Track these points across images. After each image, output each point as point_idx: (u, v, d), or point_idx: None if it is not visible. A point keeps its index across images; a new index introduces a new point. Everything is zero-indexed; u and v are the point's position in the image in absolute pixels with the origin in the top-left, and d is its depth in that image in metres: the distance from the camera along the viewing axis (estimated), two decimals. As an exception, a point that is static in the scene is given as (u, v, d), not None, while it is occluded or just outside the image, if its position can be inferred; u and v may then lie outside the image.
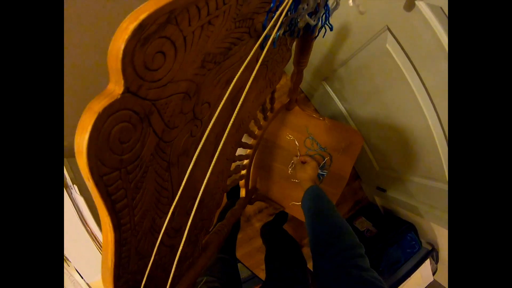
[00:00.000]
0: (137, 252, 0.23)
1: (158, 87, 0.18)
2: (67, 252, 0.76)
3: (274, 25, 0.23)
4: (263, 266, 0.89)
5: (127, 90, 0.14)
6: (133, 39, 0.13)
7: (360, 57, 0.85)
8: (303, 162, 0.80)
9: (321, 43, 0.94)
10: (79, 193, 0.66)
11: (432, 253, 1.23)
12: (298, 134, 0.87)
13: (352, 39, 0.83)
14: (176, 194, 0.25)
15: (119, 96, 0.14)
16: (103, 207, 0.17)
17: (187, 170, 0.23)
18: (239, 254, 1.50)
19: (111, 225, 0.18)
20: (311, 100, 1.46)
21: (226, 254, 0.83)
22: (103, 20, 0.47)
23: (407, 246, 1.23)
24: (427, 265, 1.23)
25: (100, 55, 0.55)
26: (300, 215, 0.86)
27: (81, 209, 0.67)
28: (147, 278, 0.23)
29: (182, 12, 0.15)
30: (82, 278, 0.76)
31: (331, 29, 0.34)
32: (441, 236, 1.23)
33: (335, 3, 0.26)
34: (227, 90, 0.21)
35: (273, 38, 0.23)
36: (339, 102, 1.21)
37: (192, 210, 0.22)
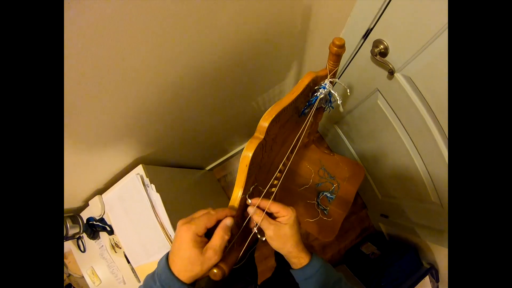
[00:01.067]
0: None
1: (269, 136, 0.45)
2: (121, 239, 0.90)
3: (309, 108, 0.52)
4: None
5: (264, 138, 0.42)
6: (271, 122, 0.41)
7: (361, 108, 1.13)
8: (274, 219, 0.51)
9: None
10: (155, 190, 0.85)
11: (431, 270, 1.35)
12: (314, 166, 1.11)
13: (355, 95, 1.11)
14: (258, 183, 0.52)
15: (261, 139, 0.41)
16: (244, 177, 0.43)
17: (262, 172, 0.51)
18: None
19: (242, 186, 0.44)
20: (325, 138, 1.74)
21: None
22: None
23: (407, 265, 1.37)
24: (427, 283, 1.33)
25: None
26: (313, 231, 1.04)
27: (154, 204, 0.86)
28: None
29: (282, 112, 0.43)
30: (128, 263, 0.90)
31: (332, 108, 0.63)
32: (439, 255, 1.36)
33: (334, 100, 0.55)
34: (283, 138, 0.49)
35: (308, 113, 0.52)
36: (347, 141, 1.47)
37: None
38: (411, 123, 0.90)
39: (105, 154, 0.82)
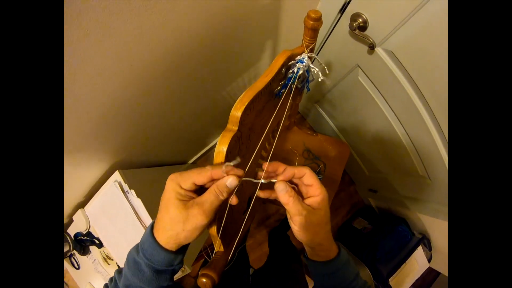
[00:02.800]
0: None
1: (244, 126, 0.40)
2: (111, 250, 0.88)
3: (286, 89, 0.47)
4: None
5: (238, 129, 0.37)
6: (243, 111, 0.36)
7: (341, 85, 1.10)
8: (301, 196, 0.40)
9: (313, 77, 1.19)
10: (135, 196, 0.82)
11: (423, 240, 1.40)
12: (297, 148, 1.08)
13: (334, 72, 1.07)
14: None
15: (235, 131, 0.37)
16: None
17: (242, 166, 0.46)
18: (250, 258, 1.65)
19: None
20: (307, 119, 1.71)
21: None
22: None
23: (399, 237, 1.40)
24: (420, 252, 1.39)
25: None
26: None
27: (137, 209, 0.83)
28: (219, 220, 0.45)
29: (255, 98, 0.39)
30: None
31: (308, 90, 0.59)
32: (430, 225, 1.39)
33: (313, 79, 0.50)
34: (261, 125, 0.45)
35: (283, 94, 0.47)
36: (329, 120, 1.45)
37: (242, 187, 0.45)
38: (394, 98, 0.88)
39: (78, 164, 0.77)
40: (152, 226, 0.34)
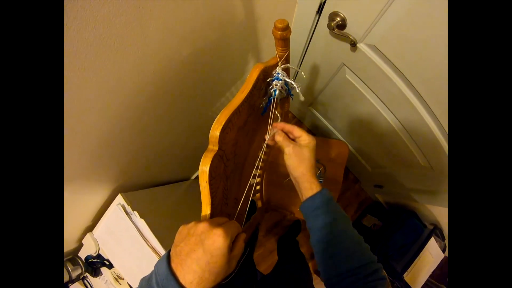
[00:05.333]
0: None
1: (226, 144, 0.42)
2: (121, 270, 0.90)
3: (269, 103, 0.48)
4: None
5: (219, 148, 0.38)
6: (221, 131, 0.37)
7: (331, 86, 1.10)
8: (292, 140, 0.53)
9: (303, 79, 1.20)
10: (139, 217, 0.84)
11: (435, 231, 1.36)
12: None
13: (322, 74, 1.08)
14: (230, 192, 0.49)
15: (216, 151, 0.37)
16: (208, 194, 0.39)
17: (233, 180, 0.47)
18: (261, 268, 1.63)
19: (209, 202, 0.40)
20: (304, 122, 1.71)
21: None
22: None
23: (410, 230, 1.37)
24: (433, 243, 1.34)
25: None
26: None
27: (141, 230, 0.85)
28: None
29: (233, 116, 0.40)
30: (134, 291, 0.87)
31: (292, 96, 0.60)
32: (440, 214, 1.37)
33: (292, 88, 0.51)
34: (248, 138, 0.46)
35: (263, 107, 0.48)
36: (325, 121, 1.45)
37: (236, 204, 0.45)
38: (384, 91, 0.88)
39: (82, 191, 0.80)
40: (168, 264, 0.33)
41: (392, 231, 1.38)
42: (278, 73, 0.45)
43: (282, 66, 0.47)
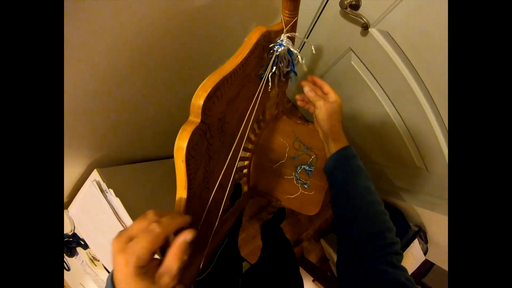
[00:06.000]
0: (193, 209, 0.38)
1: (211, 117, 0.34)
2: (96, 251, 0.87)
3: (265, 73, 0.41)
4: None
5: (201, 121, 0.31)
6: (205, 100, 0.30)
7: (333, 71, 1.03)
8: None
9: (301, 64, 1.12)
10: (114, 195, 0.79)
11: (419, 233, 1.36)
12: (287, 138, 1.02)
13: (325, 57, 1.01)
14: (212, 175, 0.42)
15: (198, 124, 0.30)
16: (184, 176, 0.33)
17: (217, 162, 0.40)
18: (243, 253, 1.62)
19: (185, 186, 0.34)
20: (298, 108, 1.64)
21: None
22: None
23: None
24: (416, 245, 1.36)
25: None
26: (296, 207, 0.99)
27: (116, 209, 0.79)
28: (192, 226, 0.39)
29: (223, 83, 0.32)
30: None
31: (296, 74, 0.54)
32: (426, 218, 1.36)
33: (297, 61, 0.44)
34: (238, 115, 0.38)
35: (266, 80, 0.41)
36: (322, 109, 1.38)
37: (219, 190, 0.39)
38: (390, 83, 0.82)
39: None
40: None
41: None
42: (282, 40, 0.38)
43: (288, 34, 0.40)
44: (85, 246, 0.91)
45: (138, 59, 0.61)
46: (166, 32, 0.60)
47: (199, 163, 0.35)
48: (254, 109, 0.42)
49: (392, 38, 0.68)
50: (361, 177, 0.48)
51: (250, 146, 0.98)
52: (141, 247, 0.26)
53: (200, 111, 0.30)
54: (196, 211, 0.39)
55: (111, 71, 0.58)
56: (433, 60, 0.63)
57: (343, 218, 0.47)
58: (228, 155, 0.44)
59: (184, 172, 0.32)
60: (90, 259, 0.93)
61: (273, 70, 0.41)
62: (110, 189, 0.80)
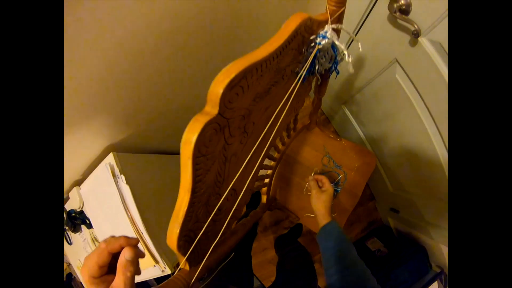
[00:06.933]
0: (196, 216, 0.33)
1: (232, 111, 0.29)
2: (98, 232, 0.89)
3: (302, 68, 0.34)
4: (273, 278, 0.90)
5: (218, 113, 0.25)
6: (226, 87, 0.24)
7: (374, 85, 0.95)
8: (319, 187, 0.75)
9: (341, 72, 1.05)
10: (125, 182, 0.77)
11: (440, 276, 1.23)
12: (317, 152, 0.95)
13: (366, 69, 0.92)
14: (226, 181, 0.36)
15: (214, 115, 0.25)
16: (189, 177, 0.27)
17: (234, 166, 0.34)
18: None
19: (190, 189, 0.28)
20: (332, 121, 1.55)
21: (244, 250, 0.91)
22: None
23: (415, 268, 1.24)
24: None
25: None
26: (314, 227, 0.90)
27: (125, 196, 0.78)
28: (194, 238, 0.34)
29: (250, 71, 0.26)
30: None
31: (337, 73, 0.46)
32: None
33: (341, 58, 0.37)
34: (266, 116, 0.32)
35: (302, 78, 0.34)
36: (356, 125, 1.29)
37: (232, 197, 0.33)
38: (437, 104, 0.73)
39: (77, 140, 0.73)
40: None
41: (397, 264, 1.25)
42: (326, 32, 0.31)
43: (333, 26, 0.33)
44: (89, 226, 0.93)
45: (168, 46, 0.58)
46: (194, 16, 0.56)
47: (210, 164, 0.30)
48: (284, 110, 0.35)
49: (445, 51, 0.60)
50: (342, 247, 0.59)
51: (276, 154, 0.91)
52: (90, 260, 0.32)
53: (218, 100, 0.24)
54: (200, 218, 0.33)
55: (136, 55, 0.56)
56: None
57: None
58: (249, 161, 0.38)
59: (190, 171, 0.26)
60: (92, 238, 0.94)
61: (314, 66, 0.35)
62: (122, 175, 0.79)
